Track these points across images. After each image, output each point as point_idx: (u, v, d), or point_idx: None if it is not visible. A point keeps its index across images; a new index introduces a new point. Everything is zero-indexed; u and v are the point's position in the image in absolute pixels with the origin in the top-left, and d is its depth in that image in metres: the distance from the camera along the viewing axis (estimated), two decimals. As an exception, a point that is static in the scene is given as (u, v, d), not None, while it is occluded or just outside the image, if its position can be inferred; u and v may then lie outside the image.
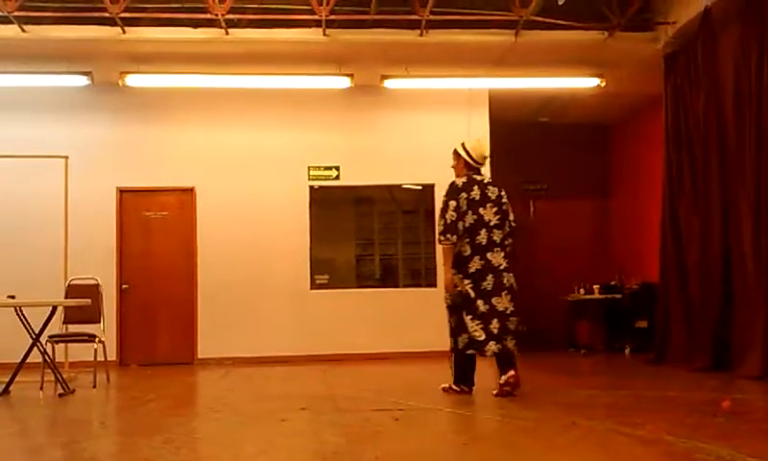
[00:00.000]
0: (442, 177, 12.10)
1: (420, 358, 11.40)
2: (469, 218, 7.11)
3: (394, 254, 12.57)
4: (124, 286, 11.68)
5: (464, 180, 7.26)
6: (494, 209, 7.22)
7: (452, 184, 7.26)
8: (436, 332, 11.79)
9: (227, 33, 10.22)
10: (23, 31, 10.00)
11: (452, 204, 7.12)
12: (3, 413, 7.08)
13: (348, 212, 12.56)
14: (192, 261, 11.83)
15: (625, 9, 10.18)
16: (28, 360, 8.14)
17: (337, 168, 12.18)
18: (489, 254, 7.12)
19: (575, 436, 5.02)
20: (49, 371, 8.24)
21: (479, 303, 7.05)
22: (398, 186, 12.49)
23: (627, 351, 11.91)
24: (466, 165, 7.36)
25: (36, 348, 8.10)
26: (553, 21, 10.26)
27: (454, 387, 7.35)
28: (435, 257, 12.19)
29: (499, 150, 12.30)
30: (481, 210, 7.16)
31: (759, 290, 8.46)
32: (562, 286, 13.38)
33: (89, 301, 8.80)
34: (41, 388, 8.27)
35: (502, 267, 7.16)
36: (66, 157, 9.87)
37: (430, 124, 12.32)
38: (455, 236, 7.08)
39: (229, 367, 10.88)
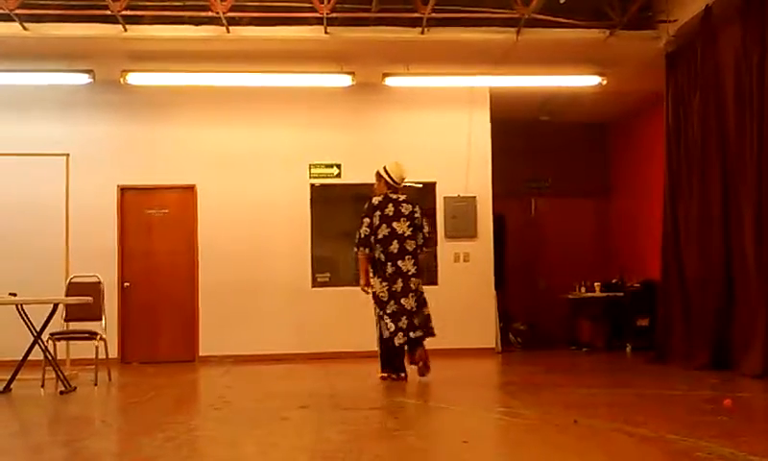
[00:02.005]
0: (443, 175, 12.26)
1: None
2: (383, 230, 8.27)
3: (395, 252, 12.54)
4: (125, 284, 11.68)
5: (380, 198, 8.39)
6: (407, 223, 8.35)
7: (369, 202, 8.39)
8: (436, 330, 11.84)
9: (228, 31, 10.22)
10: (25, 29, 10.00)
11: (366, 220, 8.32)
12: (4, 411, 7.09)
13: (349, 210, 12.51)
14: (193, 259, 11.84)
15: (626, 7, 10.17)
16: (29, 358, 8.14)
17: (338, 166, 12.18)
18: (400, 262, 8.29)
19: (576, 435, 5.03)
20: (50, 368, 8.24)
21: (391, 303, 8.24)
22: (400, 184, 12.47)
23: (628, 349, 11.91)
24: (386, 185, 8.46)
25: (37, 345, 8.11)
26: (554, 19, 10.26)
27: (383, 374, 8.43)
28: (436, 256, 12.21)
29: (500, 148, 12.35)
30: (394, 224, 8.30)
31: (760, 288, 8.45)
32: (563, 284, 13.38)
33: (91, 298, 8.81)
34: (43, 386, 8.28)
35: (410, 273, 8.32)
36: (67, 156, 9.86)
37: (431, 122, 12.32)
38: (368, 249, 8.32)
39: (230, 365, 10.88)
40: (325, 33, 10.31)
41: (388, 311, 8.25)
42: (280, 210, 12.05)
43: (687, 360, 9.50)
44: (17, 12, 9.70)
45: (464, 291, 12.01)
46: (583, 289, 13.00)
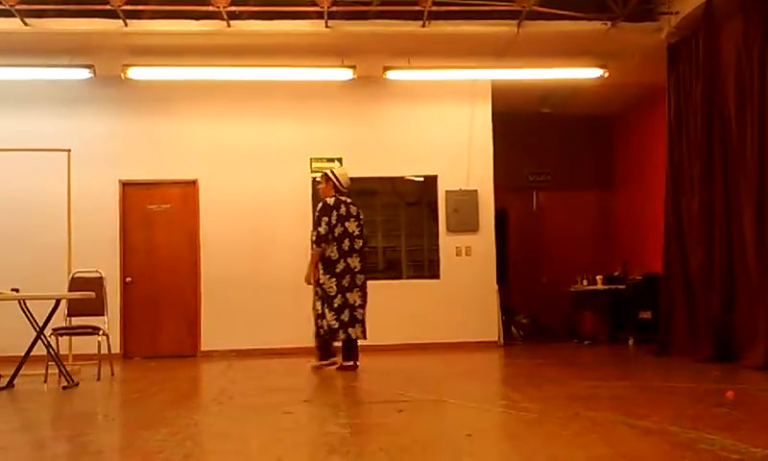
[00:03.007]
0: (445, 168, 12.25)
1: (424, 350, 11.43)
2: (338, 229, 8.94)
3: (397, 245, 12.56)
4: (127, 279, 11.69)
5: (333, 200, 9.04)
6: (356, 223, 9.11)
7: (325, 203, 9.03)
8: (439, 324, 11.89)
9: (228, 25, 10.22)
10: (25, 24, 10.01)
11: (325, 219, 8.92)
12: (7, 406, 7.09)
13: (350, 204, 12.54)
14: (195, 254, 11.84)
15: (628, -1, 10.17)
16: (32, 353, 8.14)
17: (340, 160, 12.17)
18: (349, 259, 8.97)
19: (578, 427, 5.02)
20: (53, 364, 8.24)
21: (338, 297, 8.87)
22: (401, 178, 12.48)
23: (630, 342, 11.92)
24: (334, 188, 9.15)
25: (39, 341, 8.11)
26: (556, 12, 10.26)
27: (323, 362, 9.10)
28: (438, 249, 12.21)
29: (502, 141, 12.34)
30: (346, 224, 9.00)
31: (762, 281, 8.46)
32: (565, 277, 13.38)
33: (93, 293, 8.81)
34: (45, 381, 8.28)
35: (357, 269, 9.01)
36: (69, 151, 9.87)
37: (433, 115, 12.32)
38: (325, 245, 8.90)
39: (233, 359, 10.89)
40: (326, 26, 10.31)
41: (334, 305, 8.87)
42: (282, 204, 12.05)
43: (690, 353, 9.51)
44: (18, 7, 9.71)
45: (466, 285, 12.03)
46: (585, 282, 13.00)
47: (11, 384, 7.92)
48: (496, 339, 12.04)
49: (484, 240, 12.20)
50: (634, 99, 13.36)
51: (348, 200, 9.17)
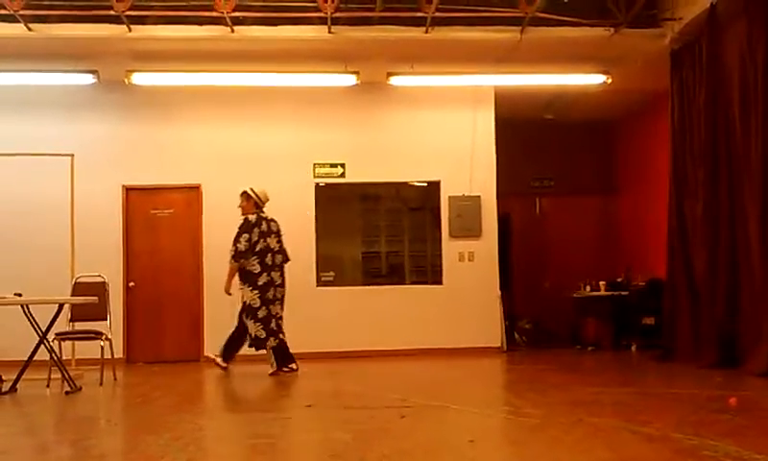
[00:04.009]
0: (448, 174, 12.25)
1: (426, 355, 11.42)
2: (261, 245, 9.37)
3: (400, 251, 12.56)
4: (130, 284, 11.70)
5: (255, 217, 9.46)
6: (276, 239, 9.60)
7: (246, 220, 9.42)
8: (442, 329, 11.88)
9: (232, 30, 10.23)
10: (29, 29, 10.02)
11: (245, 236, 9.31)
12: (10, 411, 7.10)
13: (353, 209, 12.55)
14: (198, 259, 11.85)
15: (631, 5, 10.15)
16: (35, 358, 8.14)
17: (342, 165, 12.18)
18: (272, 273, 9.46)
19: (581, 433, 5.02)
20: (56, 368, 8.25)
21: (262, 309, 9.33)
22: (404, 183, 12.48)
23: (634, 348, 11.90)
24: (255, 205, 9.57)
25: (42, 345, 8.12)
26: (559, 18, 10.25)
27: (284, 369, 9.51)
28: (441, 255, 12.21)
29: (505, 147, 12.34)
30: (268, 239, 9.46)
31: (766, 286, 8.44)
32: (568, 283, 13.37)
33: (96, 298, 8.83)
34: (48, 386, 8.30)
35: (278, 283, 9.54)
36: (72, 156, 9.88)
37: (436, 121, 12.32)
38: (244, 260, 9.30)
39: (235, 365, 10.87)
40: (330, 32, 10.31)
41: (259, 316, 9.33)
42: (285, 210, 12.00)
43: (693, 359, 9.49)
44: (22, 12, 9.72)
45: (469, 290, 12.01)
46: (588, 288, 12.98)
47: (14, 388, 7.93)
48: (499, 345, 12.02)
49: (487, 246, 12.19)
50: (637, 104, 13.35)
51: (269, 217, 9.65)
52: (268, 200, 9.73)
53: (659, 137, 12.12)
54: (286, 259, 9.76)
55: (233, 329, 9.66)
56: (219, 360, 9.72)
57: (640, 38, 10.59)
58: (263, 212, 9.61)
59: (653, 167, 12.83)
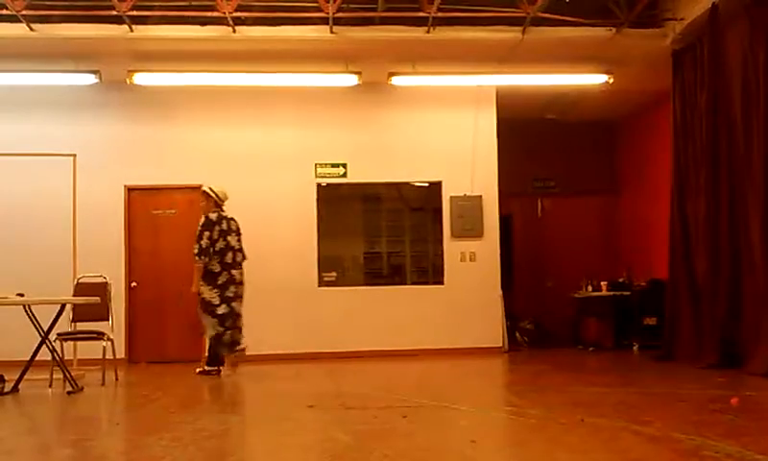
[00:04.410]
0: (449, 174, 12.25)
1: (428, 355, 11.42)
2: (220, 243, 9.50)
3: (401, 251, 12.57)
4: (132, 284, 11.70)
5: (215, 215, 9.59)
6: (237, 238, 9.74)
7: (207, 218, 9.54)
8: (443, 329, 11.88)
9: (234, 31, 10.23)
10: (31, 29, 10.03)
11: (206, 233, 9.44)
12: (12, 411, 7.11)
13: (355, 210, 12.56)
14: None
15: (633, 5, 10.15)
16: (37, 358, 8.16)
17: (344, 165, 12.18)
18: (232, 271, 9.59)
19: (583, 433, 5.02)
20: (58, 368, 8.26)
21: (222, 306, 9.45)
22: (406, 184, 12.48)
23: (635, 348, 11.90)
24: (215, 203, 9.66)
25: (44, 345, 8.13)
26: (560, 18, 10.24)
27: (207, 368, 9.58)
28: (443, 255, 12.21)
29: (507, 147, 12.34)
30: (228, 238, 9.59)
31: (768, 287, 8.44)
32: (570, 283, 13.37)
33: (98, 298, 8.83)
34: (50, 386, 8.31)
35: (238, 280, 9.65)
36: (74, 156, 9.89)
37: (438, 121, 12.33)
38: (207, 258, 9.43)
39: (237, 364, 10.88)
40: (331, 32, 10.31)
41: (218, 313, 9.46)
42: (287, 210, 12.06)
43: (695, 359, 9.49)
44: (24, 12, 9.73)
45: (470, 290, 12.01)
46: (590, 288, 12.98)
47: (15, 389, 7.94)
48: (501, 345, 12.02)
49: (488, 246, 12.19)
50: (638, 105, 13.35)
51: (229, 215, 9.76)
52: (227, 198, 9.83)
53: (660, 137, 12.12)
54: (244, 258, 9.84)
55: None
56: (207, 368, 9.66)
57: (642, 39, 10.58)
58: (223, 211, 9.73)
59: (655, 167, 12.83)
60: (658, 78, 11.17)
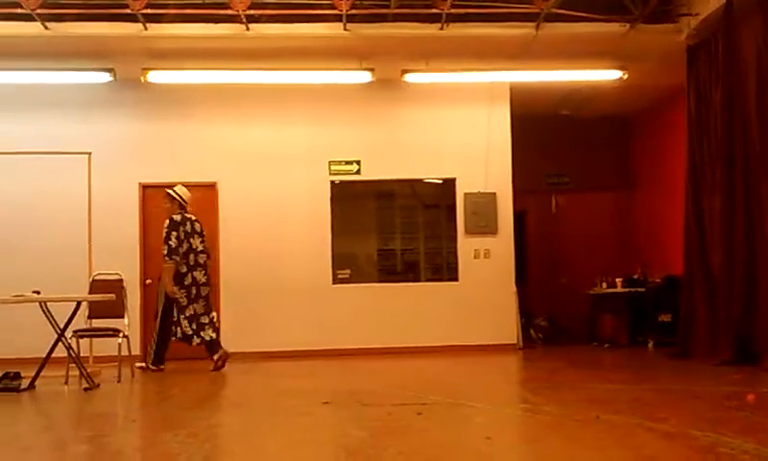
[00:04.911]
0: (463, 171, 12.25)
1: (442, 352, 11.43)
2: (185, 246, 9.62)
3: (415, 248, 12.57)
4: (147, 281, 11.75)
5: (179, 217, 9.70)
6: (200, 239, 9.84)
7: (172, 220, 9.65)
8: (457, 326, 11.88)
9: (247, 28, 10.26)
10: (45, 28, 10.08)
11: (174, 233, 9.55)
12: (28, 408, 7.16)
13: (369, 207, 12.58)
14: (215, 256, 11.85)
15: (646, 1, 10.12)
16: (53, 355, 8.21)
17: (358, 163, 12.19)
18: (195, 273, 9.70)
19: (598, 430, 5.01)
20: (74, 365, 8.30)
21: (190, 307, 9.64)
22: (420, 181, 12.49)
23: (650, 344, 11.87)
24: (179, 205, 9.79)
25: (60, 343, 8.17)
26: (574, 13, 10.23)
27: (152, 366, 9.67)
28: (456, 252, 12.21)
29: (521, 143, 12.32)
30: (191, 240, 9.70)
31: (784, 283, 8.40)
32: (584, 280, 13.34)
33: (113, 295, 8.87)
34: (66, 383, 8.35)
35: (201, 282, 9.75)
36: (89, 154, 9.94)
37: (451, 118, 12.33)
38: (177, 257, 9.55)
39: (253, 362, 10.92)
40: (345, 29, 10.33)
41: (187, 314, 9.63)
42: (301, 207, 12.09)
43: (710, 356, 9.45)
44: (38, 11, 9.78)
45: (484, 287, 12.01)
46: (604, 285, 12.95)
47: (32, 386, 7.99)
48: (515, 342, 12.02)
49: (502, 242, 12.18)
50: (653, 100, 13.30)
51: (193, 217, 9.89)
52: (190, 199, 9.97)
53: (675, 133, 12.06)
54: (208, 257, 9.97)
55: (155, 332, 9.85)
56: (154, 367, 9.71)
57: (656, 34, 10.55)
58: (187, 213, 9.83)
59: (669, 162, 12.77)
60: (672, 73, 11.12)
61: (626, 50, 10.90)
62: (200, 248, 9.79)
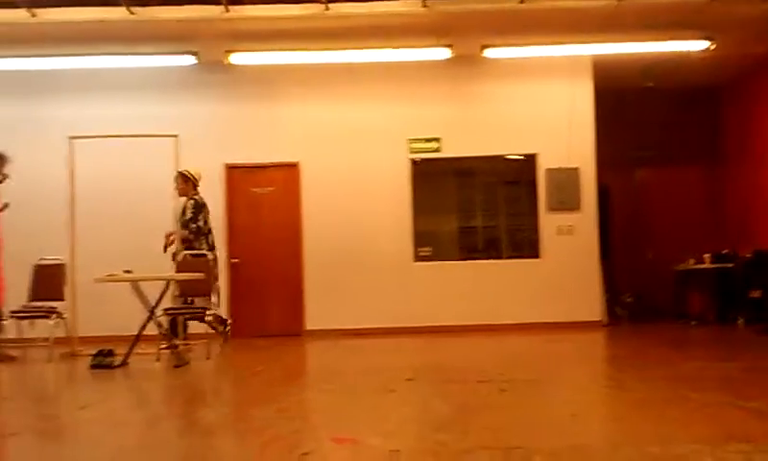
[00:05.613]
0: (544, 146, 12.12)
1: (525, 330, 11.37)
2: (209, 224, 9.91)
3: (496, 225, 12.50)
4: (234, 260, 11.97)
5: (200, 197, 9.89)
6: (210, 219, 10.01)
7: (197, 202, 9.85)
8: (540, 303, 11.80)
9: (327, 8, 10.31)
10: (131, 13, 10.30)
11: (200, 215, 9.78)
12: (122, 384, 7.39)
13: (449, 184, 12.54)
14: (298, 235, 12.05)
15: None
16: (144, 333, 8.44)
17: (438, 140, 12.17)
18: (215, 251, 9.87)
19: (686, 409, 4.94)
20: (164, 342, 8.52)
21: (215, 284, 9.64)
22: (500, 157, 12.40)
23: (740, 322, 11.58)
24: (193, 186, 9.91)
25: (151, 320, 8.41)
26: (658, -17, 9.98)
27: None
28: (538, 228, 12.10)
29: (603, 117, 12.12)
30: (208, 218, 9.93)
31: None
32: (671, 255, 13.08)
33: (203, 274, 9.08)
34: (158, 360, 8.58)
35: (216, 260, 9.83)
36: (176, 136, 10.15)
37: (532, 93, 12.19)
38: (203, 238, 9.77)
39: (336, 339, 11.05)
40: (423, 6, 10.28)
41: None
42: (381, 186, 12.14)
43: (803, 332, 9.19)
44: (124, -4, 10.01)
45: (568, 264, 11.90)
46: (692, 260, 12.68)
47: (125, 363, 8.23)
48: (600, 319, 11.88)
49: (586, 218, 12.03)
50: (742, 69, 12.91)
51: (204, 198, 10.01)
52: (201, 179, 10.08)
53: (765, 104, 11.70)
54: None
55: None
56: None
57: (742, 2, 10.21)
58: (198, 193, 9.96)
59: (760, 135, 12.41)
60: (761, 42, 10.78)
61: (712, 19, 10.59)
62: (212, 227, 10.04)
